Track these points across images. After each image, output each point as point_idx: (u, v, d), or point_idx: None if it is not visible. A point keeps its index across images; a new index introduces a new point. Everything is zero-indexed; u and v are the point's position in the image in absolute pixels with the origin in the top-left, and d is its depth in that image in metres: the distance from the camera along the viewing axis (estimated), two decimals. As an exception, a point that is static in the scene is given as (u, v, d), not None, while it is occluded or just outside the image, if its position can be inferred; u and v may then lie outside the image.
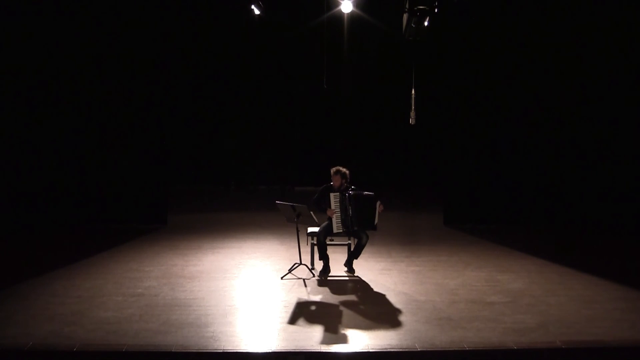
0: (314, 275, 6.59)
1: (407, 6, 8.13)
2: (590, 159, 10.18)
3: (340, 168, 6.64)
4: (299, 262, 6.66)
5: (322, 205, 6.57)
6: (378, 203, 6.36)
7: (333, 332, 4.74)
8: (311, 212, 6.36)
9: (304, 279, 6.43)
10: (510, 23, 9.95)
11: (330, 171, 6.65)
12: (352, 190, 6.50)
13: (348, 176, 6.63)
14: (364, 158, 15.45)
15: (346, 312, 5.31)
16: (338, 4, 9.66)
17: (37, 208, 9.82)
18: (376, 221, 6.40)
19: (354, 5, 9.59)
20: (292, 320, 5.04)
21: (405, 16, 8.51)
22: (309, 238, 6.80)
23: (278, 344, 4.48)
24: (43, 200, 9.83)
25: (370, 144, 15.67)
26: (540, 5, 9.86)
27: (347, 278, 6.58)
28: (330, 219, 6.47)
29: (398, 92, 11.61)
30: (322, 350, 4.35)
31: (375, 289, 6.11)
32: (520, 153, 10.21)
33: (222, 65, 14.99)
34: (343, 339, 4.57)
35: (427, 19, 8.03)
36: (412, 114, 9.33)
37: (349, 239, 6.78)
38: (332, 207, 6.43)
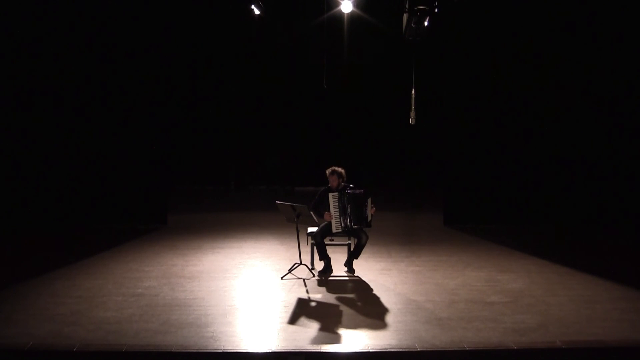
0: (314, 275, 6.59)
1: (407, 6, 8.14)
2: (590, 159, 10.17)
3: (336, 168, 6.62)
4: (299, 262, 6.66)
5: (321, 210, 6.55)
6: (370, 201, 6.37)
7: (333, 332, 4.74)
8: (311, 212, 6.37)
9: (304, 279, 6.43)
10: (511, 22, 9.95)
11: (325, 173, 6.63)
12: (350, 188, 6.51)
13: (344, 175, 6.63)
14: (364, 158, 15.46)
15: (346, 312, 5.31)
16: (338, 4, 9.66)
17: (37, 208, 9.82)
18: (369, 218, 6.41)
19: (354, 5, 9.58)
20: (292, 320, 5.04)
21: (405, 16, 8.52)
22: (309, 238, 6.79)
23: (278, 344, 4.47)
24: (43, 200, 9.83)
25: (370, 144, 15.67)
26: (541, 5, 9.86)
27: (347, 278, 6.58)
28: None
29: (398, 92, 11.61)
30: (322, 350, 4.34)
31: (375, 289, 6.10)
32: (520, 153, 10.20)
33: (222, 65, 14.99)
34: (343, 339, 4.57)
35: (427, 19, 8.03)
36: (412, 114, 9.34)
37: (349, 239, 6.77)
38: (331, 206, 6.42)
